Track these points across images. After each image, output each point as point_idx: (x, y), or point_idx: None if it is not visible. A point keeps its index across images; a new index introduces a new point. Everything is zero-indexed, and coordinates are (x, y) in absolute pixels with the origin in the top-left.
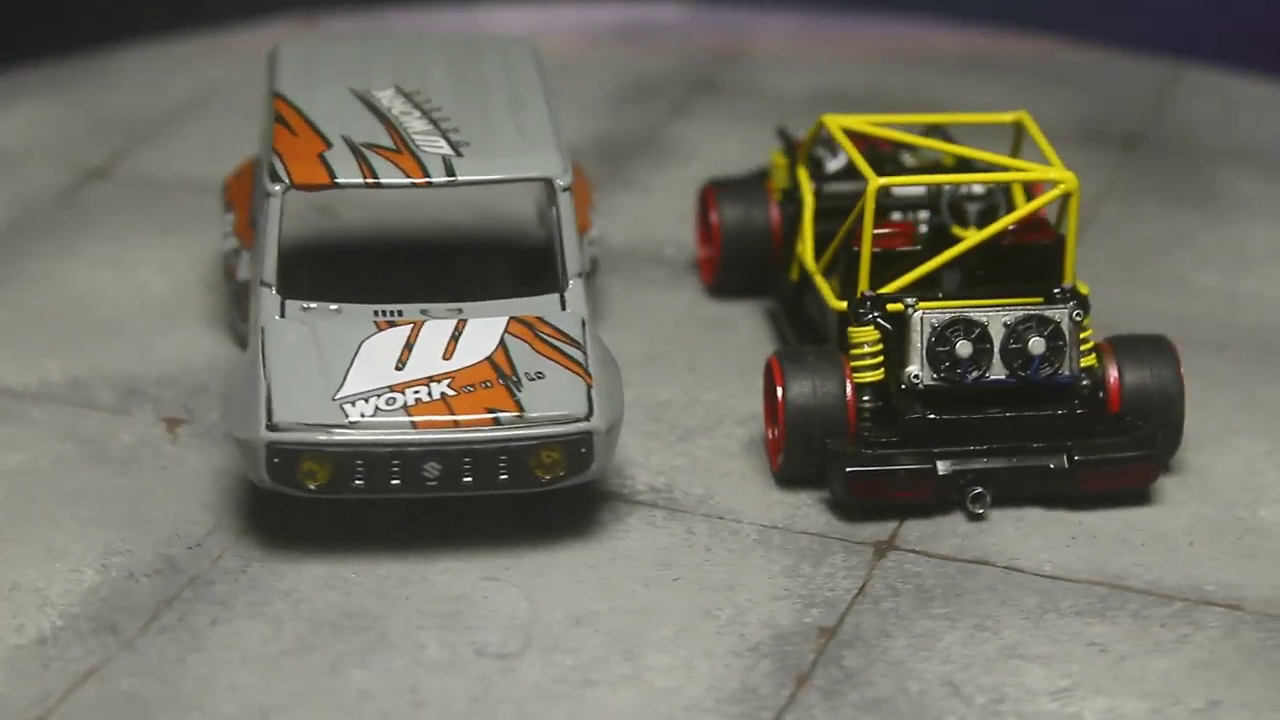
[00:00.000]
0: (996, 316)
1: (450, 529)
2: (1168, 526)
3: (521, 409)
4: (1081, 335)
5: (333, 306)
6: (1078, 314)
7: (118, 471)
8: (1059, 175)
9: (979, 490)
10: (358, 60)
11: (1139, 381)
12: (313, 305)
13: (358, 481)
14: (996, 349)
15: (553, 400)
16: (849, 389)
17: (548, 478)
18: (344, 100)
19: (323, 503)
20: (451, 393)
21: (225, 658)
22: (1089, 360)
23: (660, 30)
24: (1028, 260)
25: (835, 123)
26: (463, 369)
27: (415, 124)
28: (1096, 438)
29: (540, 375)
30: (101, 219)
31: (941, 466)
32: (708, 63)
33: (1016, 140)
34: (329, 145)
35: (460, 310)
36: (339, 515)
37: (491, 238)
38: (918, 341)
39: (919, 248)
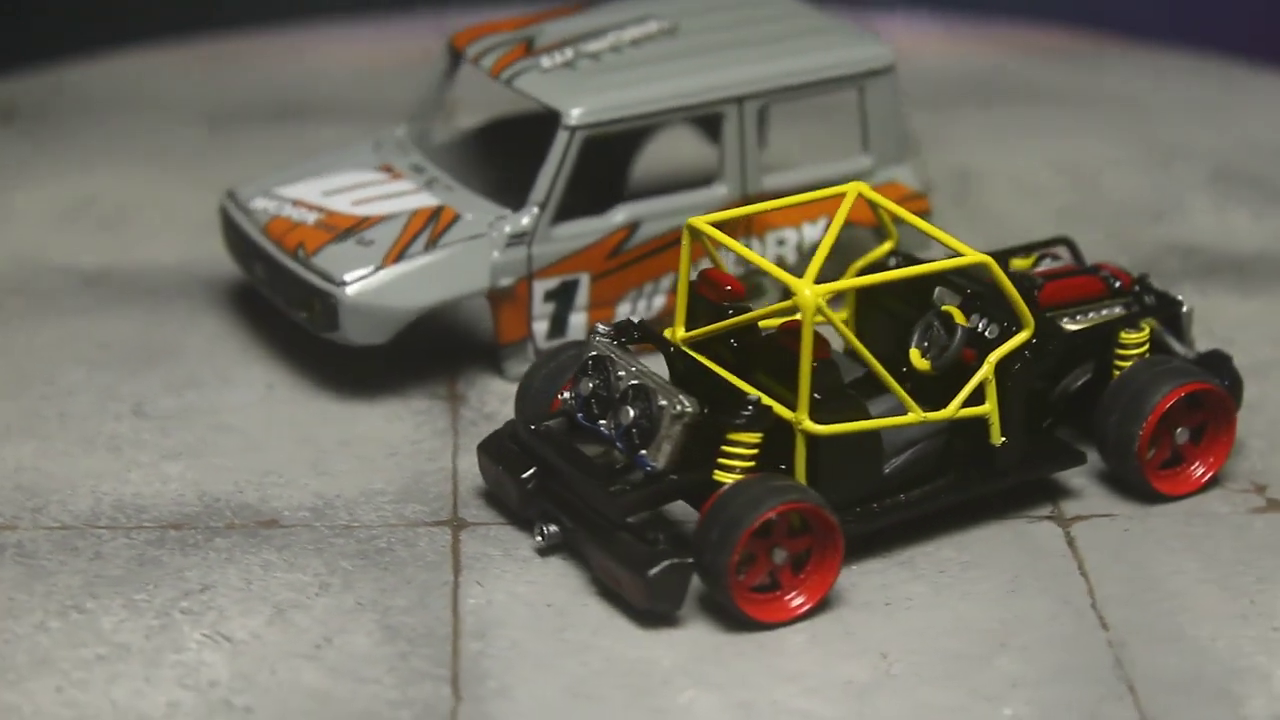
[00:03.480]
0: (630, 376)
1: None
2: (622, 647)
3: (313, 254)
4: (734, 449)
5: (403, 148)
6: (685, 412)
7: None
8: (797, 286)
9: (546, 525)
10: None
11: (713, 517)
12: (403, 143)
13: (236, 257)
14: (617, 403)
15: (338, 262)
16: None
17: (305, 317)
18: (615, 17)
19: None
20: (309, 224)
21: None
22: (722, 476)
23: None
24: (790, 364)
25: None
26: (342, 214)
27: (595, 45)
28: (629, 535)
29: (368, 244)
30: None
31: (530, 483)
32: None
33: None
34: (512, 32)
35: (449, 189)
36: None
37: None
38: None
39: (730, 309)
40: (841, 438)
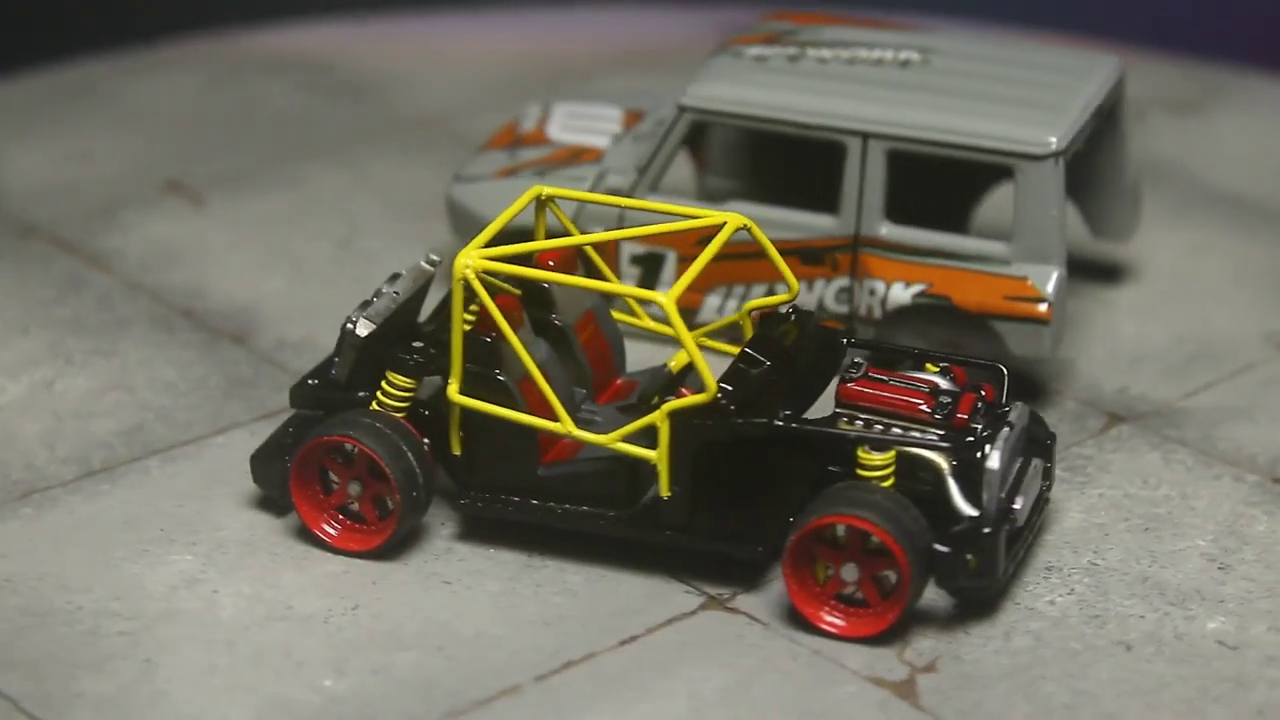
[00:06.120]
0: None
1: None
2: (216, 513)
3: (478, 154)
4: (389, 386)
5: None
6: (352, 333)
7: None
8: (460, 253)
9: None
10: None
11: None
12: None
13: None
14: None
15: (474, 162)
16: None
17: None
18: (890, 38)
19: None
20: (516, 132)
21: None
22: (373, 406)
23: None
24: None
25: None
26: (541, 132)
27: (819, 53)
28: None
29: (513, 157)
30: None
31: None
32: None
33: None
34: (790, 23)
35: (636, 146)
36: None
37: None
38: None
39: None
40: (488, 420)
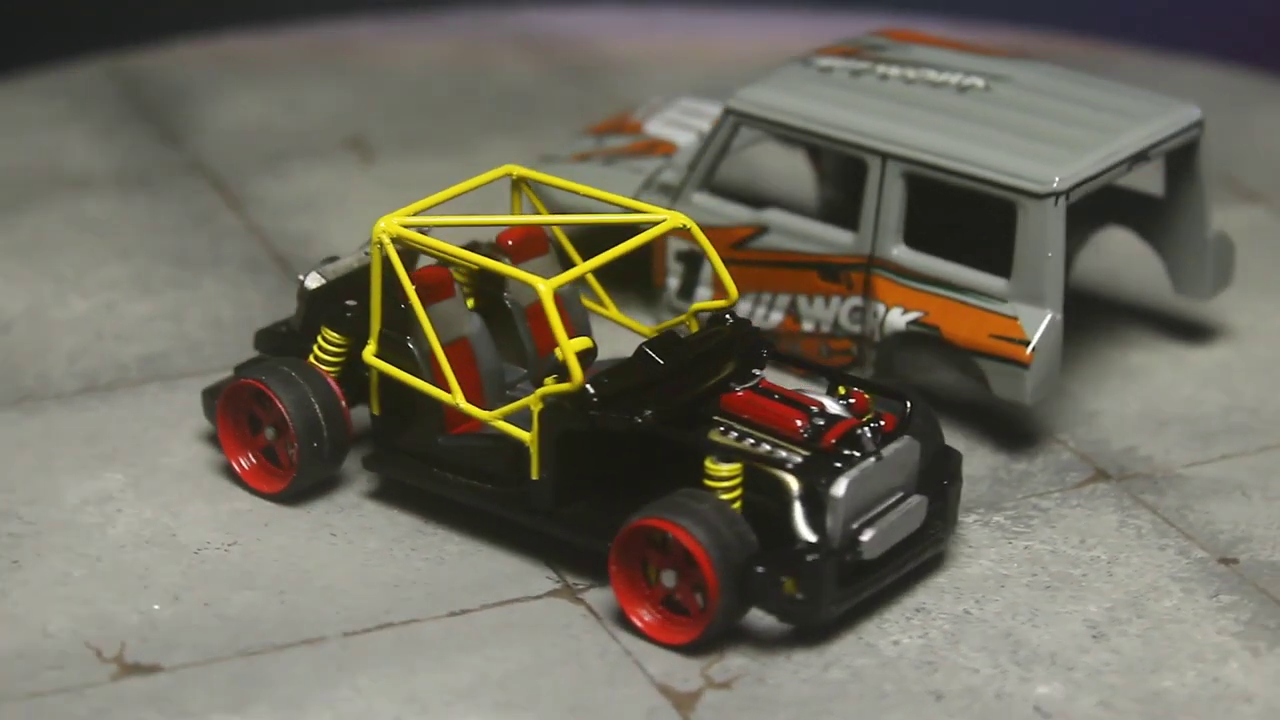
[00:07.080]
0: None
1: None
2: (171, 441)
3: (576, 138)
4: (322, 340)
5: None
6: (302, 285)
7: None
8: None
9: None
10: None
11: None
12: None
13: None
14: None
15: (564, 144)
16: None
17: None
18: (968, 63)
19: None
20: (625, 121)
21: None
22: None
23: None
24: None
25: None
26: (641, 124)
27: (886, 70)
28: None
29: (600, 144)
30: None
31: None
32: None
33: None
34: (890, 40)
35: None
36: None
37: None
38: None
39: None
40: (397, 384)
